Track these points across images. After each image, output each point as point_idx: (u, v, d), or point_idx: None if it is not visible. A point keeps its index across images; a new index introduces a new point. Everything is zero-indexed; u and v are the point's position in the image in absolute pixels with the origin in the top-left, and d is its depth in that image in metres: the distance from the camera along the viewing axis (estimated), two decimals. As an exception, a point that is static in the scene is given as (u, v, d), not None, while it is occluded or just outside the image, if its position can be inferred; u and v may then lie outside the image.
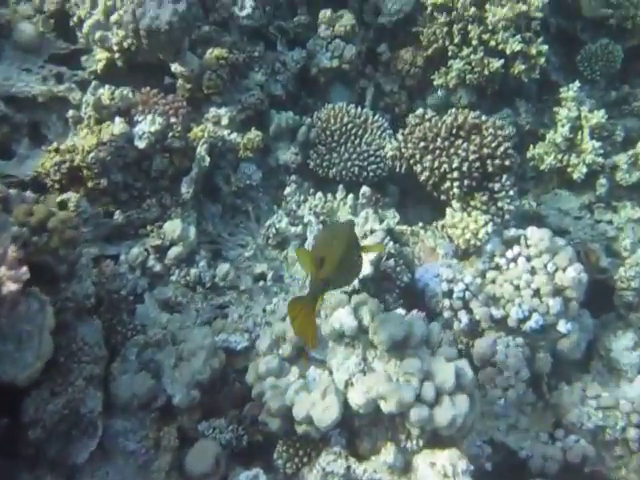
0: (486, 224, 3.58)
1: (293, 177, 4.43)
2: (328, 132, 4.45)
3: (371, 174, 4.40)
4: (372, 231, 4.07)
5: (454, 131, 3.61)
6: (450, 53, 4.64)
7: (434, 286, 3.83)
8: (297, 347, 3.03)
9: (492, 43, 4.51)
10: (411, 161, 3.70)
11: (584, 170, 4.43)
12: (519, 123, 4.98)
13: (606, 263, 4.11)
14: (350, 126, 4.44)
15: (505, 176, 3.59)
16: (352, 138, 4.44)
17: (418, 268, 4.02)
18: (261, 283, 3.95)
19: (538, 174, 4.88)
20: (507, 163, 3.58)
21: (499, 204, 3.62)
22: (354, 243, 2.57)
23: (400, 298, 3.89)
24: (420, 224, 4.25)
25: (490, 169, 3.57)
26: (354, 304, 3.03)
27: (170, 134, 3.97)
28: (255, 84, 4.43)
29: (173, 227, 3.79)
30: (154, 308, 3.66)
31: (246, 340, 3.45)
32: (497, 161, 3.56)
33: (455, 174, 3.53)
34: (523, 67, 4.55)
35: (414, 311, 3.34)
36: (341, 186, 4.38)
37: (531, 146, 4.80)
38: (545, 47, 4.56)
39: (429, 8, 4.62)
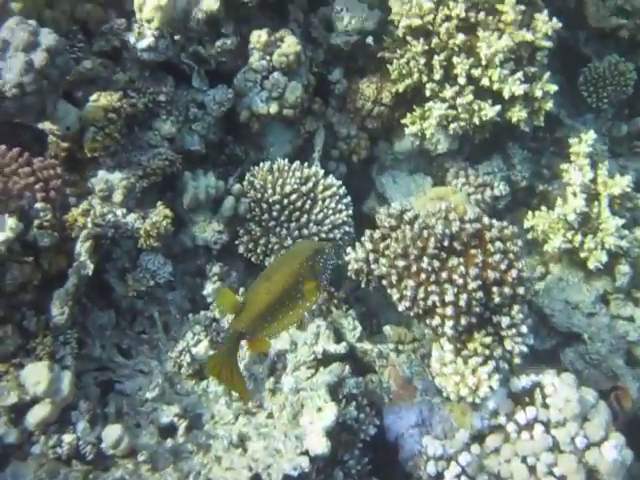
0: (490, 377, 2.67)
1: (216, 267, 3.41)
2: (264, 205, 3.45)
3: (322, 264, 3.42)
4: (325, 358, 3.13)
5: (446, 243, 2.66)
6: (428, 92, 3.67)
7: (411, 443, 2.97)
8: None
9: (485, 82, 3.55)
10: (384, 282, 2.74)
11: (604, 259, 3.59)
12: (513, 179, 4.08)
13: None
14: (294, 197, 3.43)
15: (517, 307, 2.68)
16: (297, 214, 3.45)
17: (387, 410, 3.12)
18: (169, 442, 2.96)
19: (533, 239, 3.99)
20: (520, 291, 2.67)
21: (507, 345, 2.72)
22: (298, 280, 2.26)
23: (365, 455, 2.99)
24: (390, 343, 3.32)
25: (497, 299, 2.65)
26: None
27: (36, 223, 2.90)
28: (162, 138, 3.36)
29: (37, 375, 2.76)
30: (6, 502, 2.64)
31: None
32: (506, 289, 2.64)
33: (448, 310, 2.60)
34: (524, 114, 3.61)
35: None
36: (282, 283, 3.38)
37: (530, 214, 3.90)
38: (554, 87, 3.66)
39: (402, 31, 3.60)
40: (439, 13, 3.53)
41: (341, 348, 3.17)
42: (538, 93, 3.63)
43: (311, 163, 3.76)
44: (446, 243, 2.68)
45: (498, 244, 2.66)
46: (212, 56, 3.48)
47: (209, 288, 3.38)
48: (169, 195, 3.49)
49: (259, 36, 3.49)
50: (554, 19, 3.55)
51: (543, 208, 3.90)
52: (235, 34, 3.54)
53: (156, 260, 3.28)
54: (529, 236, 3.92)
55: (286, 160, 3.60)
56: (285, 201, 3.44)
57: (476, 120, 3.63)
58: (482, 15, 3.50)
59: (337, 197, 3.56)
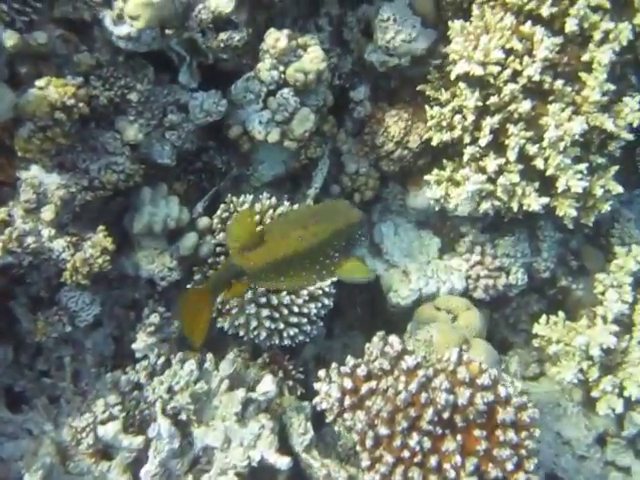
0: None
1: (154, 316, 2.82)
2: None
3: (287, 341, 2.87)
4: (261, 468, 2.62)
5: (446, 415, 2.10)
6: (467, 156, 3.02)
7: None
8: None
9: (538, 163, 2.92)
10: (355, 436, 2.19)
11: (619, 408, 3.08)
12: (535, 267, 3.51)
13: None
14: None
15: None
16: (270, 275, 2.82)
17: None
18: None
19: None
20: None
21: None
22: (334, 242, 2.08)
23: None
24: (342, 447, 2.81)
25: (490, 502, 2.12)
26: None
27: None
28: (123, 143, 2.68)
29: None
30: None
31: None
32: (506, 494, 2.11)
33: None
34: (573, 212, 3.01)
35: None
36: (231, 356, 2.83)
37: (543, 318, 3.34)
38: (619, 188, 3.04)
39: (455, 74, 2.91)
40: (507, 67, 2.85)
41: (283, 463, 2.63)
42: (598, 191, 3.01)
43: (303, 202, 3.13)
44: (446, 415, 2.13)
45: (510, 435, 2.11)
46: (211, 49, 2.76)
47: (140, 343, 2.79)
48: (119, 200, 2.86)
49: (277, 40, 2.77)
50: (645, 108, 2.91)
51: (560, 314, 3.34)
52: (248, 25, 2.82)
53: (81, 299, 2.67)
54: (535, 343, 3.39)
55: (273, 199, 2.96)
56: (259, 254, 2.82)
57: (514, 205, 3.01)
58: (559, 84, 2.83)
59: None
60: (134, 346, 2.80)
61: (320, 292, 2.92)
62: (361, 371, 2.25)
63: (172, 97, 2.76)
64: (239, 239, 2.05)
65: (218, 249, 2.87)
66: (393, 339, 2.28)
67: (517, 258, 3.42)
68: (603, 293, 3.27)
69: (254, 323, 2.81)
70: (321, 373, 2.35)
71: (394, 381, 2.18)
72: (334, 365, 2.36)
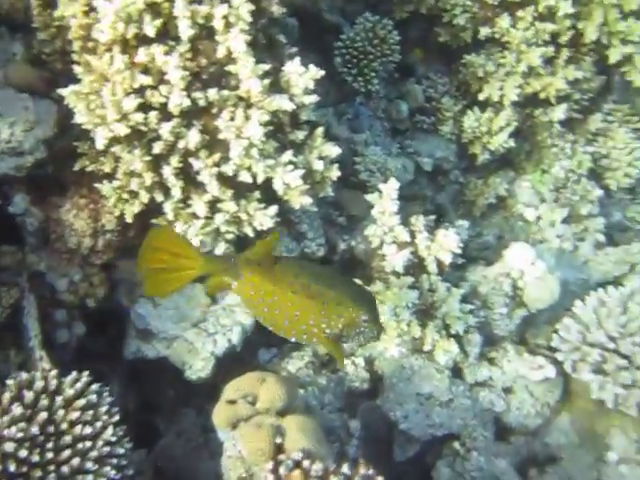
0: None
1: None
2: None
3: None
4: None
5: None
6: (171, 214, 2.59)
7: None
8: None
9: (244, 178, 2.54)
10: None
11: (454, 348, 2.94)
12: (306, 251, 3.20)
13: None
14: (24, 454, 2.29)
15: None
16: (37, 475, 2.31)
17: None
18: None
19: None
20: None
21: None
22: (333, 314, 1.92)
23: None
24: None
25: None
26: None
27: None
28: None
29: None
30: None
31: None
32: None
33: None
34: (308, 200, 2.67)
35: None
36: None
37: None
38: (335, 150, 2.71)
39: (100, 145, 2.39)
40: (151, 106, 2.36)
41: None
42: (317, 165, 2.67)
43: (30, 361, 2.57)
44: None
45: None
46: None
47: None
48: None
49: None
50: (312, 67, 2.52)
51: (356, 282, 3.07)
52: None
53: None
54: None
55: (-10, 389, 2.38)
56: (11, 465, 2.26)
57: (248, 230, 2.62)
58: (213, 93, 2.38)
59: (91, 410, 2.45)
60: None
61: (107, 450, 2.43)
62: None
63: None
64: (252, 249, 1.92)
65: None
66: None
67: (284, 258, 3.07)
68: (381, 246, 3.01)
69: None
70: None
71: None
72: None
